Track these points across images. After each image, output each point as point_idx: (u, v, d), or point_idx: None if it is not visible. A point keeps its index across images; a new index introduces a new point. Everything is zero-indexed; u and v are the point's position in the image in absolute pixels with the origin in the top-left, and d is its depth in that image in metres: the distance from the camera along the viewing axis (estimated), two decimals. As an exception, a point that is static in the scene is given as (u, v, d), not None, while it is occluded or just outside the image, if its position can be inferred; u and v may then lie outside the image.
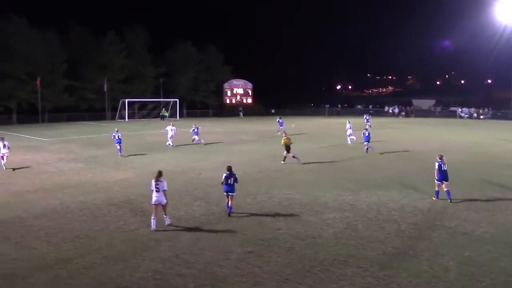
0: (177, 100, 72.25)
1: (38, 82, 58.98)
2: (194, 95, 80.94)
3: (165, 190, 12.75)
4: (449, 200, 15.52)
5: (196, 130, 34.13)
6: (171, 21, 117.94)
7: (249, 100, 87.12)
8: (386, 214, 14.17)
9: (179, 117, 72.28)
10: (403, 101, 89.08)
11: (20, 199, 16.40)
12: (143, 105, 71.74)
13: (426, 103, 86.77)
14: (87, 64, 65.68)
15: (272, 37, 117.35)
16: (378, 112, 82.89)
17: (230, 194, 13.92)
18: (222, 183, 13.96)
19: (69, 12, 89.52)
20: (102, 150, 29.85)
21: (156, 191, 12.70)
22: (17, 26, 58.95)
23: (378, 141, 34.90)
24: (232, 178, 13.91)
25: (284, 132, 26.24)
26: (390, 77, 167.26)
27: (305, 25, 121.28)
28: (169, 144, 32.28)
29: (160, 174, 12.92)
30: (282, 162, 23.83)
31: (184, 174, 21.06)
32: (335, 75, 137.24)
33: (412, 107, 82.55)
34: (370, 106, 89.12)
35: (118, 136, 27.77)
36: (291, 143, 24.42)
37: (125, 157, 26.64)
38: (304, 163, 23.71)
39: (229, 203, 14.02)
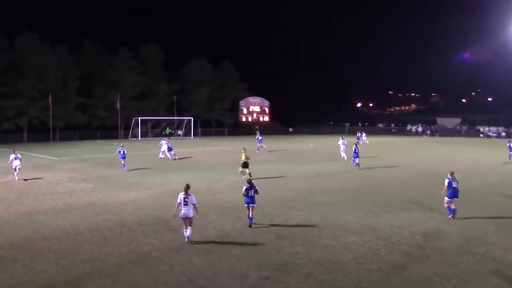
0: (191, 118, 72.84)
1: (49, 99, 59.98)
2: (208, 113, 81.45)
3: (194, 203, 13.38)
4: (450, 216, 16.09)
5: (167, 145, 36.87)
6: (185, 37, 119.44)
7: (266, 118, 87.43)
8: (410, 238, 13.98)
9: (194, 135, 72.75)
10: (427, 120, 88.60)
11: (29, 219, 16.56)
12: (156, 123, 72.35)
13: (451, 122, 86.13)
14: (100, 81, 66.79)
15: (289, 53, 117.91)
16: (401, 131, 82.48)
17: (251, 205, 15.11)
18: (244, 195, 15.12)
19: (82, 28, 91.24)
20: (113, 170, 30.12)
21: (184, 204, 13.30)
22: (29, 42, 60.33)
23: (401, 161, 34.68)
24: (252, 190, 15.10)
25: (244, 148, 27.36)
26: (413, 94, 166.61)
27: (324, 41, 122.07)
28: (160, 156, 37.05)
29: (188, 187, 13.56)
30: (242, 177, 25.06)
31: (198, 195, 20.98)
32: (355, 92, 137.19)
33: (436, 126, 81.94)
34: (393, 125, 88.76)
35: (123, 152, 30.05)
36: (249, 159, 26.14)
37: (129, 171, 29.11)
38: (323, 184, 23.65)
39: (250, 214, 15.16)
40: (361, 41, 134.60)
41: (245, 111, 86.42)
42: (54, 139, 62.84)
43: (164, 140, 38.94)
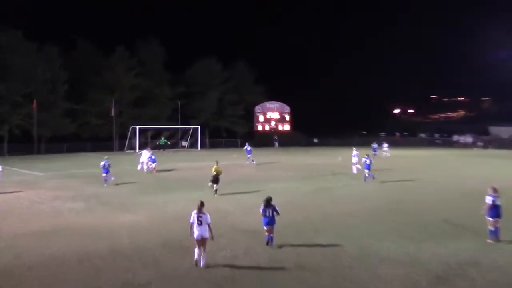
0: (198, 127, 73.09)
1: (34, 105, 60.35)
2: (218, 120, 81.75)
3: (209, 223, 13.87)
4: (493, 240, 16.03)
5: (150, 156, 38.15)
6: (191, 32, 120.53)
7: (286, 127, 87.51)
8: (457, 269, 13.82)
9: (201, 147, 72.94)
10: (477, 129, 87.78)
11: (11, 243, 16.71)
12: (158, 133, 72.68)
13: (506, 131, 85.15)
14: (92, 84, 67.37)
15: (314, 51, 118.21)
16: (447, 142, 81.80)
17: (270, 226, 15.74)
18: (262, 215, 15.76)
19: (73, 25, 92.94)
20: (107, 188, 30.37)
21: (199, 224, 13.77)
22: (12, 40, 60.76)
23: (444, 178, 34.41)
24: (270, 210, 15.68)
25: (216, 161, 28.60)
26: (461, 98, 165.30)
27: (354, 38, 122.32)
28: (139, 167, 39.42)
29: (202, 204, 14.15)
30: (215, 195, 26.24)
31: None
32: (392, 96, 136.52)
33: (489, 136, 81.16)
34: (437, 135, 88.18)
35: (108, 165, 31.56)
36: (221, 173, 27.31)
37: (116, 184, 30.69)
38: (354, 204, 23.56)
39: (270, 234, 15.81)
40: (397, 39, 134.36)
41: (261, 118, 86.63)
42: (38, 151, 63.52)
43: (146, 149, 41.42)
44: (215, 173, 27.24)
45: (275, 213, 15.76)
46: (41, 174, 38.51)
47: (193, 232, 13.85)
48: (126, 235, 17.94)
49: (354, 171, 37.15)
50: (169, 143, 70.64)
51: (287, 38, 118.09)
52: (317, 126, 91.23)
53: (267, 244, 15.81)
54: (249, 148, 47.43)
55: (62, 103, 65.19)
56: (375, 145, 57.09)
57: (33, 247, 16.32)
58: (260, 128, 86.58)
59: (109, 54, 70.55)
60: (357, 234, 17.76)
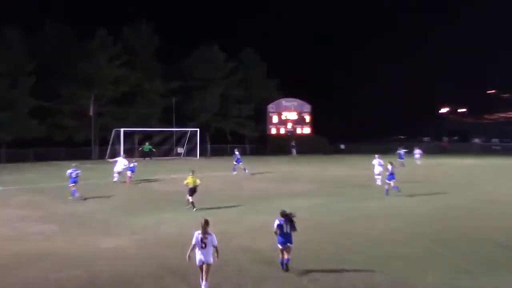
0: (197, 130, 72.91)
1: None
2: (222, 122, 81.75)
3: (215, 245, 14.18)
4: None
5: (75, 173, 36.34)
6: (188, 15, 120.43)
7: (306, 130, 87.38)
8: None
9: (200, 154, 72.92)
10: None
11: (-35, 275, 16.77)
12: (147, 137, 72.56)
13: None
14: (65, 77, 67.08)
15: (341, 36, 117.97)
16: (507, 148, 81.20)
17: (287, 246, 15.94)
18: (276, 233, 15.93)
19: (42, 3, 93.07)
20: (86, 205, 30.41)
21: (202, 247, 13.96)
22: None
23: (506, 194, 34.27)
24: (288, 226, 15.89)
25: (192, 170, 29.66)
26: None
27: (389, 21, 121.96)
28: (115, 178, 41.44)
29: (207, 223, 14.34)
30: (186, 207, 28.23)
31: (207, 241, 21.10)
32: (438, 92, 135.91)
33: None
34: (495, 140, 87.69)
35: (76, 174, 32.74)
36: (198, 184, 28.55)
37: (84, 199, 31.74)
38: (389, 226, 23.50)
39: (286, 256, 15.99)
40: (445, 22, 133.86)
41: (275, 119, 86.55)
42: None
43: (121, 156, 43.56)
44: (191, 186, 28.45)
45: (292, 231, 16.06)
46: (1, 188, 38.53)
47: (195, 255, 14.05)
48: (106, 264, 17.84)
49: (378, 182, 38.39)
50: (154, 150, 70.18)
51: (306, 19, 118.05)
52: (344, 129, 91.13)
53: (282, 268, 16.04)
54: (239, 156, 49.62)
55: (27, 100, 65.11)
56: (401, 151, 57.43)
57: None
58: (273, 131, 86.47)
59: (87, 39, 70.57)
60: (394, 264, 17.65)
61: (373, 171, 39.58)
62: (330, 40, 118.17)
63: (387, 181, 33.77)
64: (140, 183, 41.11)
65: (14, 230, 23.60)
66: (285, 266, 16.07)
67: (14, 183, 41.58)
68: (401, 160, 54.35)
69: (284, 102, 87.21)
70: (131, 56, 73.20)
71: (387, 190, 33.40)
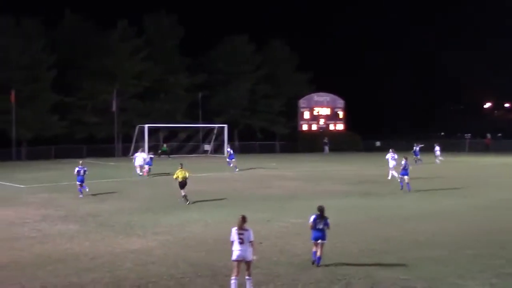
0: (225, 126, 72.66)
1: (12, 96, 60.43)
2: (250, 118, 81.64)
3: (252, 241, 14.52)
4: None
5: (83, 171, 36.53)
6: (215, 3, 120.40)
7: (339, 126, 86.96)
8: None
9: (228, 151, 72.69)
10: None
11: (-19, 278, 16.70)
12: (172, 134, 72.48)
13: None
14: (86, 70, 67.22)
15: (377, 26, 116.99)
16: None
17: (320, 241, 16.77)
18: (312, 227, 16.77)
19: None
20: (108, 204, 30.39)
21: (240, 243, 14.39)
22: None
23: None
24: (322, 222, 16.78)
25: (181, 164, 31.85)
26: None
27: (431, 10, 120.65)
28: (139, 174, 43.15)
29: (244, 220, 14.73)
30: (179, 200, 29.99)
31: (234, 243, 20.85)
32: (481, 87, 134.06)
33: None
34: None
35: (83, 172, 33.79)
36: (187, 177, 30.26)
37: (93, 195, 32.79)
38: (427, 228, 23.06)
39: (318, 252, 16.80)
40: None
41: (307, 115, 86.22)
42: (18, 157, 64.08)
43: (139, 151, 45.35)
44: (180, 179, 30.12)
45: (326, 227, 16.86)
46: (22, 186, 38.80)
47: (232, 251, 14.44)
48: (131, 266, 17.66)
49: (390, 177, 41.43)
50: (166, 150, 69.80)
51: (339, 8, 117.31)
52: (380, 126, 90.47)
53: (313, 263, 16.78)
54: (231, 151, 51.04)
55: (48, 95, 65.42)
56: (417, 148, 57.86)
57: (13, 282, 16.18)
58: (305, 127, 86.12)
59: (109, 31, 70.69)
60: (433, 269, 17.20)
61: (388, 166, 42.36)
62: (366, 32, 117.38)
63: (401, 176, 35.74)
64: (161, 176, 41.37)
65: (34, 230, 23.54)
66: (318, 261, 16.74)
67: (34, 181, 41.82)
68: (416, 157, 55.01)
69: (316, 97, 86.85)
70: (154, 48, 73.13)
71: (401, 184, 35.40)
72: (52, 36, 67.46)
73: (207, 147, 74.83)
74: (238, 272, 14.18)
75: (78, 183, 33.48)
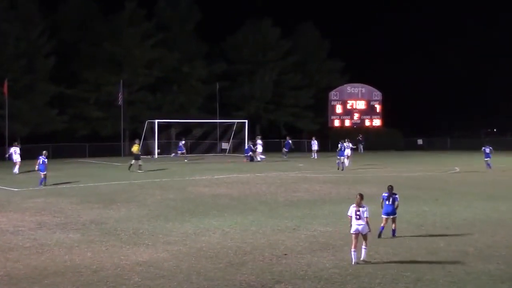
0: (246, 121, 72.45)
1: (5, 88, 60.45)
2: (275, 112, 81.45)
3: (367, 217, 18.76)
4: None
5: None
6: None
7: (376, 122, 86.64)
8: None
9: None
10: None
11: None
12: (186, 130, 72.38)
13: None
14: (89, 58, 67.36)
15: (418, 12, 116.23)
16: None
17: (391, 216, 22.14)
18: (382, 203, 22.31)
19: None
20: (113, 210, 30.52)
21: (357, 218, 18.69)
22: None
23: None
24: (391, 198, 22.06)
25: (137, 139, 40.41)
26: None
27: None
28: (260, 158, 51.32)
29: (361, 197, 19.16)
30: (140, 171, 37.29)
31: (256, 255, 20.84)
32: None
33: None
34: None
35: (43, 161, 38.66)
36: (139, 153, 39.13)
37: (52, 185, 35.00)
38: (496, 239, 23.03)
39: (393, 226, 22.25)
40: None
41: (339, 109, 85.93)
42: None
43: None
44: (136, 151, 41.99)
45: (396, 202, 22.12)
46: (16, 189, 38.94)
47: (351, 226, 18.74)
48: (139, 281, 17.77)
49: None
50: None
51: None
52: (422, 121, 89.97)
53: (379, 236, 21.81)
54: (182, 144, 58.10)
55: (45, 86, 65.50)
56: (487, 149, 53.91)
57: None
58: (337, 123, 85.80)
59: (115, 13, 70.73)
60: (486, 286, 17.24)
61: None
62: (405, 15, 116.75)
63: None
64: (173, 179, 41.35)
65: (29, 240, 23.61)
66: (393, 233, 22.31)
67: (30, 183, 41.93)
68: (486, 159, 52.36)
69: (350, 88, 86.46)
70: (167, 34, 73.09)
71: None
72: (51, 19, 67.52)
73: (225, 145, 74.56)
74: (355, 244, 18.26)
75: (41, 173, 38.98)
